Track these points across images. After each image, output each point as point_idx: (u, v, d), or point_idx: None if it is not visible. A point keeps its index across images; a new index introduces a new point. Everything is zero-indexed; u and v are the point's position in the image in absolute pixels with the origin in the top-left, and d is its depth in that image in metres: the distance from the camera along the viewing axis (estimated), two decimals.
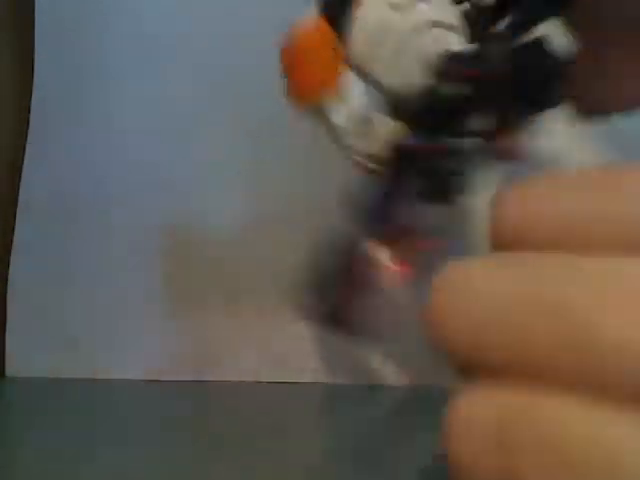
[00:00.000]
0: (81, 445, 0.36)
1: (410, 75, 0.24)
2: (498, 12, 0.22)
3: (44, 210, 0.48)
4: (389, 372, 0.45)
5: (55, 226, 0.48)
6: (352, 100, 0.25)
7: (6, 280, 0.48)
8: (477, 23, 0.23)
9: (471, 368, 0.17)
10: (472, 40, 0.23)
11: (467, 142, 0.22)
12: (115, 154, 0.48)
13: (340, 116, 0.25)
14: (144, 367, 0.47)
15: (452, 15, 0.23)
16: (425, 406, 0.42)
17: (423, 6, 0.24)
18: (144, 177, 0.48)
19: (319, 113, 0.26)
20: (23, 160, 0.49)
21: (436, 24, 0.23)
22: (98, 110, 0.48)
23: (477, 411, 0.17)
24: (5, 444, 0.37)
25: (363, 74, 0.25)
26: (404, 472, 0.32)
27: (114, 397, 0.44)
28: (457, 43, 0.23)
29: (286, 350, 0.46)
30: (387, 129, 0.25)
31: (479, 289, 0.16)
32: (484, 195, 0.23)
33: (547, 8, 0.21)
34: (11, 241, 0.48)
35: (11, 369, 0.48)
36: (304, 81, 0.26)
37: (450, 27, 0.23)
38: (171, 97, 0.48)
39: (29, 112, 0.49)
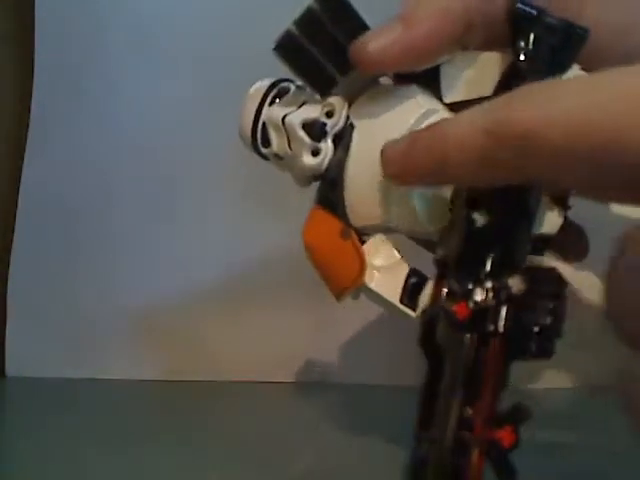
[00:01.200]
0: (81, 445, 0.36)
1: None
2: None
3: (44, 210, 0.48)
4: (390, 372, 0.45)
5: (55, 226, 0.48)
6: (385, 259, 0.25)
7: (6, 280, 0.48)
8: None
9: None
10: None
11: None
12: (115, 154, 0.48)
13: (381, 287, 0.25)
14: (144, 367, 0.47)
15: None
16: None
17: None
18: (144, 176, 0.48)
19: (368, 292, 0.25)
20: (23, 160, 0.49)
21: None
22: (98, 111, 0.48)
23: None
24: (5, 444, 0.37)
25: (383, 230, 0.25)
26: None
27: (114, 397, 0.44)
28: None
29: (286, 350, 0.46)
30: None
31: None
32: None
33: None
34: (11, 241, 0.48)
35: (11, 369, 0.48)
36: (338, 279, 0.25)
37: None
38: (171, 97, 0.48)
39: (29, 112, 0.49)
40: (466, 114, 0.19)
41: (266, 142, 0.26)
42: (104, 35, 0.48)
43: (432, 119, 0.23)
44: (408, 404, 0.42)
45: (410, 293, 0.25)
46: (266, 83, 0.26)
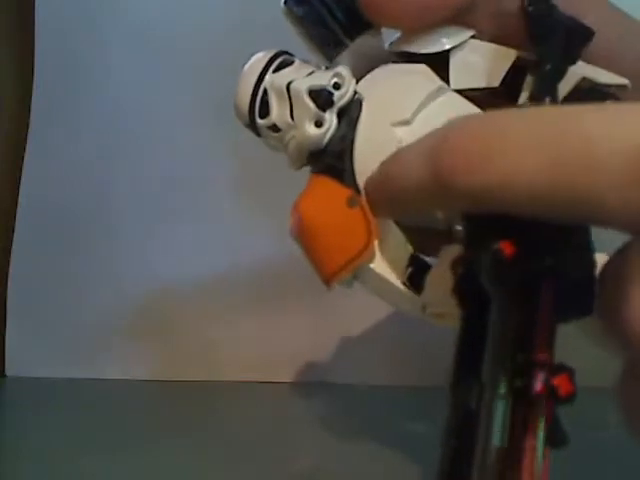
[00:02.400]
0: (81, 445, 0.36)
1: None
2: None
3: (44, 210, 0.48)
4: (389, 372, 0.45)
5: (55, 226, 0.48)
6: (392, 248, 0.23)
7: (6, 280, 0.48)
8: None
9: None
10: None
11: None
12: (115, 154, 0.48)
13: (384, 268, 0.23)
14: (144, 367, 0.47)
15: None
16: (417, 407, 0.42)
17: (426, 113, 0.22)
18: (144, 177, 0.48)
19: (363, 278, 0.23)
20: (23, 160, 0.49)
21: None
22: (98, 111, 0.48)
23: None
24: (5, 444, 0.37)
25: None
26: (408, 469, 0.32)
27: (114, 397, 0.44)
28: None
29: (286, 350, 0.46)
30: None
31: None
32: None
33: None
34: (11, 241, 0.48)
35: (11, 369, 0.48)
36: (338, 253, 0.23)
37: None
38: (171, 97, 0.48)
39: (29, 113, 0.49)
40: (412, 155, 0.18)
41: (264, 112, 0.24)
42: (104, 35, 0.48)
43: (442, 98, 0.22)
44: (408, 404, 0.42)
45: (414, 276, 0.23)
46: (269, 53, 0.25)
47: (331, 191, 0.23)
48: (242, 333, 0.47)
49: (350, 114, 0.23)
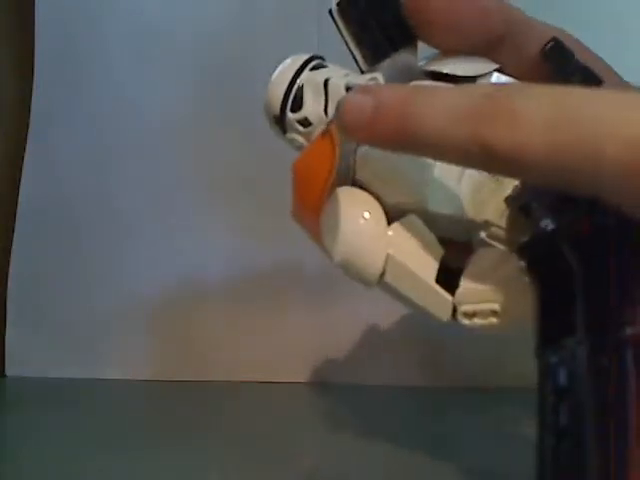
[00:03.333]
0: (81, 445, 0.36)
1: None
2: None
3: (44, 210, 0.48)
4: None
5: (55, 226, 0.48)
6: (424, 246, 0.23)
7: (6, 280, 0.48)
8: None
9: None
10: None
11: None
12: (115, 154, 0.48)
13: (417, 265, 0.23)
14: (144, 367, 0.47)
15: None
16: (417, 407, 0.42)
17: None
18: (144, 177, 0.48)
19: None
20: (23, 160, 0.49)
21: None
22: (98, 111, 0.48)
23: None
24: (5, 444, 0.37)
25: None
26: (408, 468, 0.32)
27: (114, 397, 0.44)
28: None
29: (286, 350, 0.46)
30: None
31: None
32: None
33: None
34: (11, 241, 0.48)
35: (11, 369, 0.48)
36: (312, 189, 0.23)
37: None
38: (171, 97, 0.48)
39: (29, 113, 0.49)
40: (449, 106, 0.19)
41: (297, 106, 0.25)
42: (104, 35, 0.48)
43: None
44: (408, 404, 0.42)
45: (447, 276, 0.23)
46: (306, 55, 0.26)
47: (319, 140, 0.23)
48: (243, 333, 0.47)
49: None
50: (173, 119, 0.48)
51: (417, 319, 0.46)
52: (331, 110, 0.24)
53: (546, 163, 0.17)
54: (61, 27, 0.49)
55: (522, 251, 0.20)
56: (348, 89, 0.24)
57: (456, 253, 0.23)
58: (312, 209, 0.23)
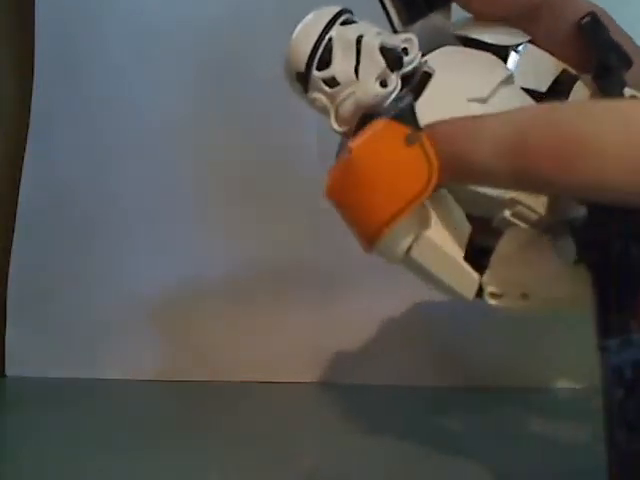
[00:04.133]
0: (81, 445, 0.36)
1: None
2: None
3: (44, 210, 0.48)
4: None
5: (55, 226, 0.48)
6: (453, 223, 0.22)
7: (6, 280, 0.48)
8: None
9: None
10: None
11: None
12: (115, 154, 0.48)
13: (447, 242, 0.22)
14: (144, 367, 0.47)
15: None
16: (418, 407, 0.42)
17: (500, 96, 0.22)
18: (144, 177, 0.48)
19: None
20: (23, 160, 0.49)
21: None
22: (98, 110, 0.48)
23: None
24: (5, 444, 0.37)
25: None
26: (408, 468, 0.32)
27: (114, 397, 0.44)
28: None
29: (287, 350, 0.46)
30: None
31: None
32: None
33: None
34: (11, 241, 0.48)
35: (11, 369, 0.48)
36: (392, 198, 0.21)
37: None
38: (171, 97, 0.48)
39: (29, 113, 0.49)
40: (488, 145, 0.20)
41: (324, 64, 0.23)
42: (104, 35, 0.48)
43: (512, 87, 0.23)
44: (409, 404, 0.42)
45: (475, 253, 0.22)
46: (336, 7, 0.24)
47: (387, 130, 0.21)
48: (243, 333, 0.47)
49: (413, 83, 0.23)
50: (173, 119, 0.48)
51: (418, 319, 0.46)
52: (363, 71, 0.22)
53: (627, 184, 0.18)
54: (61, 27, 0.49)
55: (575, 231, 0.20)
56: (382, 49, 0.22)
57: (479, 230, 0.23)
58: (379, 213, 0.21)
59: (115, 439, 0.36)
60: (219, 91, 0.47)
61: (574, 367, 0.42)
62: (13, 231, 0.48)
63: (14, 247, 0.48)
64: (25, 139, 0.49)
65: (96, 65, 0.49)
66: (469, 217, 0.23)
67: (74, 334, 0.47)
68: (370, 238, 0.22)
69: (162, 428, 0.38)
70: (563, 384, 0.43)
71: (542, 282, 0.21)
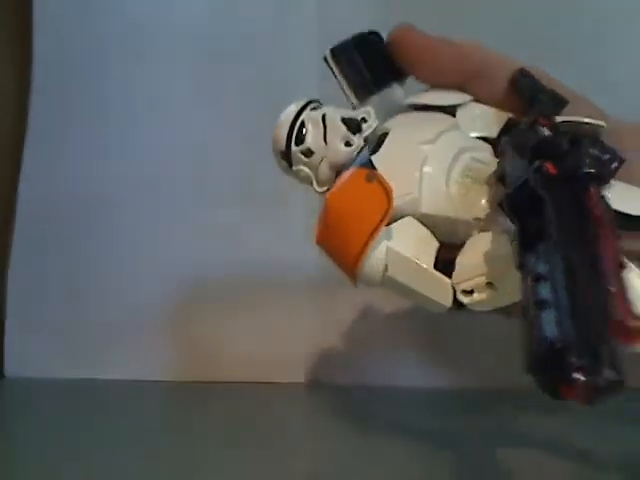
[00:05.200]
0: (81, 445, 0.36)
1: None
2: None
3: (43, 211, 0.48)
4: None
5: (54, 227, 0.48)
6: (420, 239, 0.25)
7: (5, 280, 0.48)
8: None
9: None
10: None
11: None
12: (115, 155, 0.48)
13: (415, 254, 0.25)
14: (144, 367, 0.47)
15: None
16: (417, 407, 0.42)
17: (446, 137, 0.26)
18: (144, 177, 0.48)
19: None
20: (22, 160, 0.49)
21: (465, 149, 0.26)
22: (97, 111, 0.48)
23: None
24: (5, 444, 0.37)
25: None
26: (408, 468, 0.32)
27: (114, 397, 0.44)
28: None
29: (286, 350, 0.46)
30: None
31: None
32: None
33: None
34: (11, 242, 0.48)
35: (11, 369, 0.48)
36: (361, 228, 0.25)
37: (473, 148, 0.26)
38: (171, 97, 0.48)
39: (29, 113, 0.49)
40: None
41: (300, 140, 0.28)
42: (103, 35, 0.48)
43: (459, 131, 0.27)
44: (408, 404, 0.42)
45: (443, 263, 0.25)
46: (305, 99, 0.29)
47: (351, 175, 0.26)
48: (242, 333, 0.47)
49: (374, 140, 0.27)
50: (173, 119, 0.48)
51: (417, 320, 0.46)
52: (329, 138, 0.27)
53: None
54: (60, 27, 0.48)
55: (503, 202, 0.23)
56: (343, 119, 0.27)
57: (447, 247, 0.25)
58: (353, 246, 0.25)
59: (115, 439, 0.36)
60: (219, 90, 0.47)
61: None
62: (13, 231, 0.48)
63: (14, 247, 0.48)
64: (24, 139, 0.49)
65: (95, 65, 0.48)
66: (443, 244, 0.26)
67: (74, 334, 0.47)
68: (352, 271, 0.25)
69: (162, 428, 0.38)
70: None
71: (507, 272, 0.22)
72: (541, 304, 0.18)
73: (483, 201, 0.25)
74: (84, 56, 0.49)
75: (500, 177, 0.25)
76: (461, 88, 0.28)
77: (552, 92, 0.27)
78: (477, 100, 0.28)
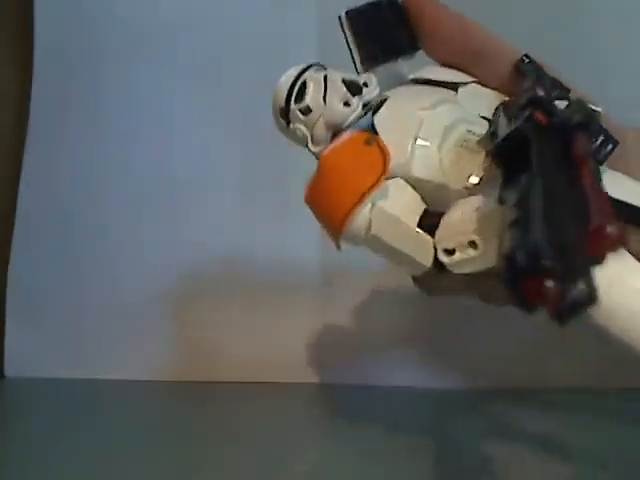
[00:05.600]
0: (81, 445, 0.36)
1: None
2: None
3: (43, 211, 0.48)
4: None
5: (54, 227, 0.48)
6: (407, 199, 0.25)
7: (5, 280, 0.48)
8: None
9: None
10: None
11: None
12: (114, 155, 0.48)
13: (400, 212, 0.25)
14: (144, 367, 0.47)
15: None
16: (417, 407, 0.42)
17: (443, 107, 0.27)
18: (144, 177, 0.48)
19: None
20: (22, 161, 0.49)
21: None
22: (97, 111, 0.48)
23: None
24: (5, 444, 0.37)
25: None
26: (408, 469, 0.32)
27: (114, 397, 0.44)
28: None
29: (286, 350, 0.46)
30: None
31: None
32: None
33: None
34: (10, 242, 0.48)
35: (11, 369, 0.48)
36: (355, 186, 0.25)
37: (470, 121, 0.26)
38: (171, 96, 0.48)
39: (29, 113, 0.49)
40: None
41: (300, 97, 0.28)
42: (103, 36, 0.48)
43: (456, 104, 0.27)
44: (408, 404, 0.42)
45: (428, 227, 0.25)
46: (308, 63, 0.29)
47: (350, 138, 0.26)
48: (242, 333, 0.47)
49: (373, 106, 0.27)
50: (172, 119, 0.48)
51: (418, 320, 0.46)
52: (329, 97, 0.27)
53: None
54: (60, 28, 0.49)
55: (492, 151, 0.23)
56: (344, 80, 0.27)
57: (433, 214, 0.26)
58: (343, 204, 0.25)
59: (115, 439, 0.36)
60: (219, 90, 0.47)
61: (574, 367, 0.43)
62: (13, 232, 0.48)
63: (13, 247, 0.48)
64: (24, 139, 0.49)
65: (95, 66, 0.49)
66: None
67: (74, 334, 0.47)
68: (338, 229, 0.25)
69: (162, 428, 0.38)
70: (563, 384, 0.43)
71: (492, 231, 0.23)
72: (517, 221, 0.18)
73: (475, 171, 0.25)
74: (84, 57, 0.49)
75: (491, 136, 0.25)
76: (464, 69, 0.28)
77: (555, 79, 0.27)
78: (479, 83, 0.28)
